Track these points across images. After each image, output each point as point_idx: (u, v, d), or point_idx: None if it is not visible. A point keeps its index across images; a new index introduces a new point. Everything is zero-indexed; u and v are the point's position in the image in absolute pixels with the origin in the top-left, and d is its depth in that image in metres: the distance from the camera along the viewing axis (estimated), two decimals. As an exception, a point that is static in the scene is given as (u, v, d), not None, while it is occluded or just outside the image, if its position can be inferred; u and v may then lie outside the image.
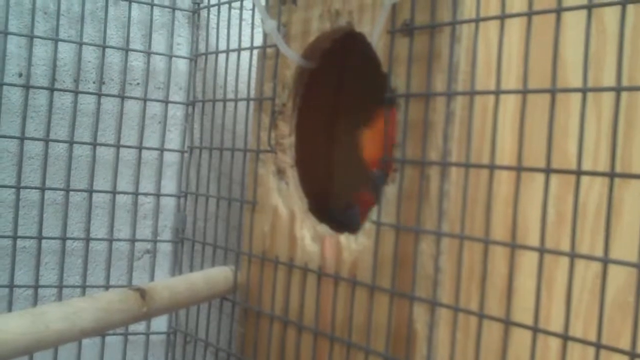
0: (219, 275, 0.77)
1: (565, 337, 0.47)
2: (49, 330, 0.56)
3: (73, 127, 0.87)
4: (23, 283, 0.86)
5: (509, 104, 0.56)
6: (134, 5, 0.91)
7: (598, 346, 0.44)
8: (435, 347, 0.56)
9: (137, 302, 0.65)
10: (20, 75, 0.85)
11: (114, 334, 0.90)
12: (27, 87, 0.85)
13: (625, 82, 0.64)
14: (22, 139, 0.84)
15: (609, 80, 0.62)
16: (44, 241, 0.87)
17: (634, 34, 0.65)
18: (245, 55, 0.82)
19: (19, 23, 0.85)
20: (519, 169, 0.51)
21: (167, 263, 0.95)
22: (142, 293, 0.66)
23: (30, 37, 0.85)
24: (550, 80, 0.50)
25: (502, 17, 0.52)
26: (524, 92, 0.51)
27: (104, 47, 0.89)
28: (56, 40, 0.86)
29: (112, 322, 0.63)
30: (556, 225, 0.59)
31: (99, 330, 0.63)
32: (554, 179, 0.57)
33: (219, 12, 0.92)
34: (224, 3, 0.90)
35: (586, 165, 0.62)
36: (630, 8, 0.64)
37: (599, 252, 0.55)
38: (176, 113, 0.95)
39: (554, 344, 0.57)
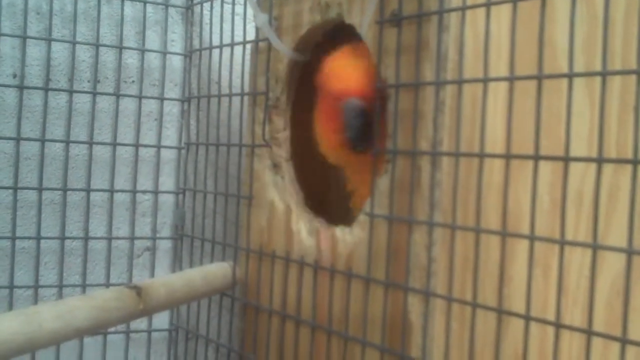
0: (217, 271, 0.77)
1: (557, 325, 0.47)
2: (42, 330, 0.56)
3: (69, 126, 0.87)
4: (23, 284, 0.86)
5: (500, 92, 0.56)
6: (127, 3, 0.91)
7: (589, 333, 0.44)
8: (431, 337, 0.55)
9: (133, 300, 0.65)
10: (15, 76, 0.85)
11: (115, 332, 0.90)
12: (21, 87, 0.85)
13: (620, 67, 0.64)
14: (18, 139, 0.84)
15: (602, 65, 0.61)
16: (42, 241, 0.87)
17: (627, 18, 0.64)
18: (239, 50, 0.82)
19: (11, 24, 0.85)
20: (507, 156, 0.51)
21: (167, 260, 0.95)
22: (138, 291, 0.66)
23: (24, 38, 0.85)
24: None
25: (488, 5, 0.52)
26: (511, 79, 0.50)
27: (97, 45, 0.88)
28: (49, 40, 0.86)
29: (108, 320, 0.63)
30: (551, 212, 0.59)
31: (95, 329, 0.63)
32: (548, 166, 0.57)
33: (211, 7, 0.91)
34: (216, -2, 0.90)
35: (581, 152, 0.61)
36: (621, -8, 0.64)
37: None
38: (172, 110, 0.95)
39: (552, 332, 0.56)
